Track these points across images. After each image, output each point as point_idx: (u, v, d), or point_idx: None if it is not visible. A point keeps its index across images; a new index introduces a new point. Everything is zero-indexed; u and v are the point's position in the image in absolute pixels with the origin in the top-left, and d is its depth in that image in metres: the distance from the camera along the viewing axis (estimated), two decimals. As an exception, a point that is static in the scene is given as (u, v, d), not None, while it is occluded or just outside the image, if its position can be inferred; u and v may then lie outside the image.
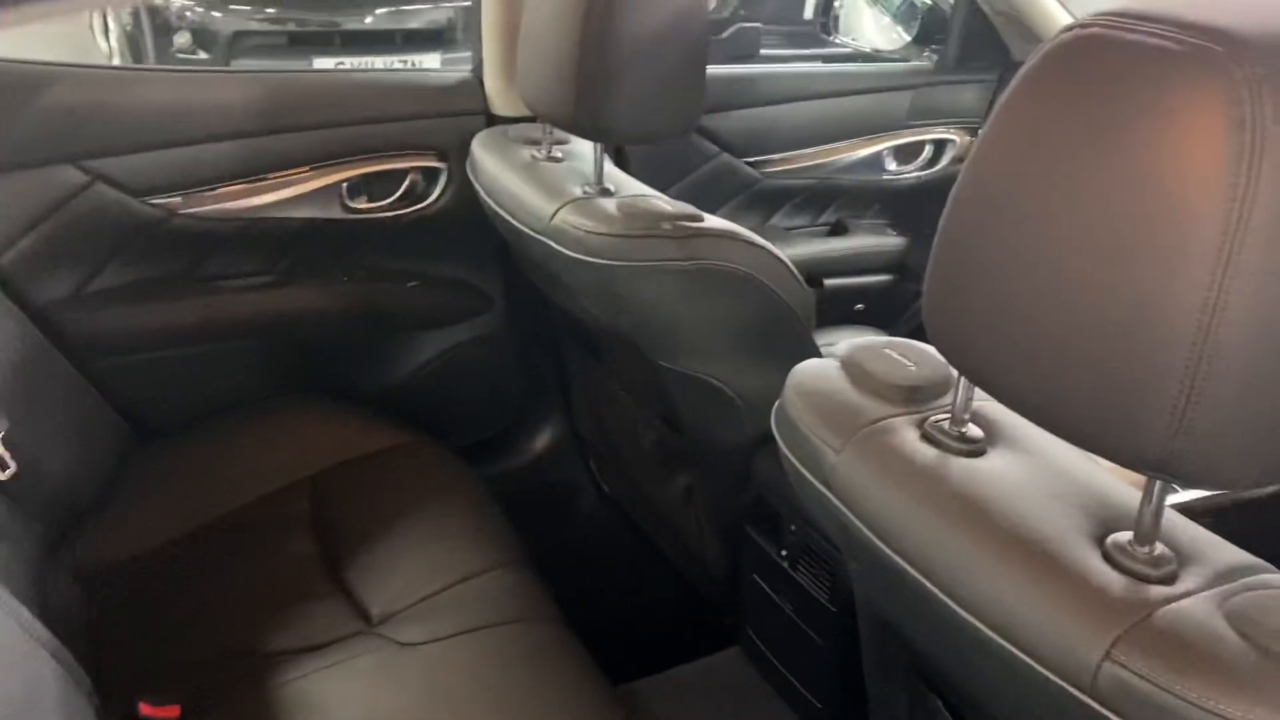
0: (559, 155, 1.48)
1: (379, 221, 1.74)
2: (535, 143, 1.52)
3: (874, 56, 2.58)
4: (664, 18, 1.23)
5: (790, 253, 1.33)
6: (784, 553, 1.38)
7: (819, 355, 1.17)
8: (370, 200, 1.74)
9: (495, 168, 1.50)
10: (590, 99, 1.24)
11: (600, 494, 1.99)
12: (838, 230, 2.24)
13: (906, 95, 2.18)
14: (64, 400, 1.51)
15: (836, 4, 2.71)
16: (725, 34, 4.37)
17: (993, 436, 0.79)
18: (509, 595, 1.37)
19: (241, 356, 1.73)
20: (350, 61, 4.28)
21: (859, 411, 0.83)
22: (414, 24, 4.42)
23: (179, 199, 1.59)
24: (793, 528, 1.35)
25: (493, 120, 1.73)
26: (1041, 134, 0.62)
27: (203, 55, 4.20)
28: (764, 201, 2.14)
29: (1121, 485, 0.73)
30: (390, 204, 1.75)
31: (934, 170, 2.24)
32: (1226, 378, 0.55)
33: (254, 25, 4.28)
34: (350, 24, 4.35)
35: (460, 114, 1.73)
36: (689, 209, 1.26)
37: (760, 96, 2.07)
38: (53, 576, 1.30)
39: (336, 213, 1.71)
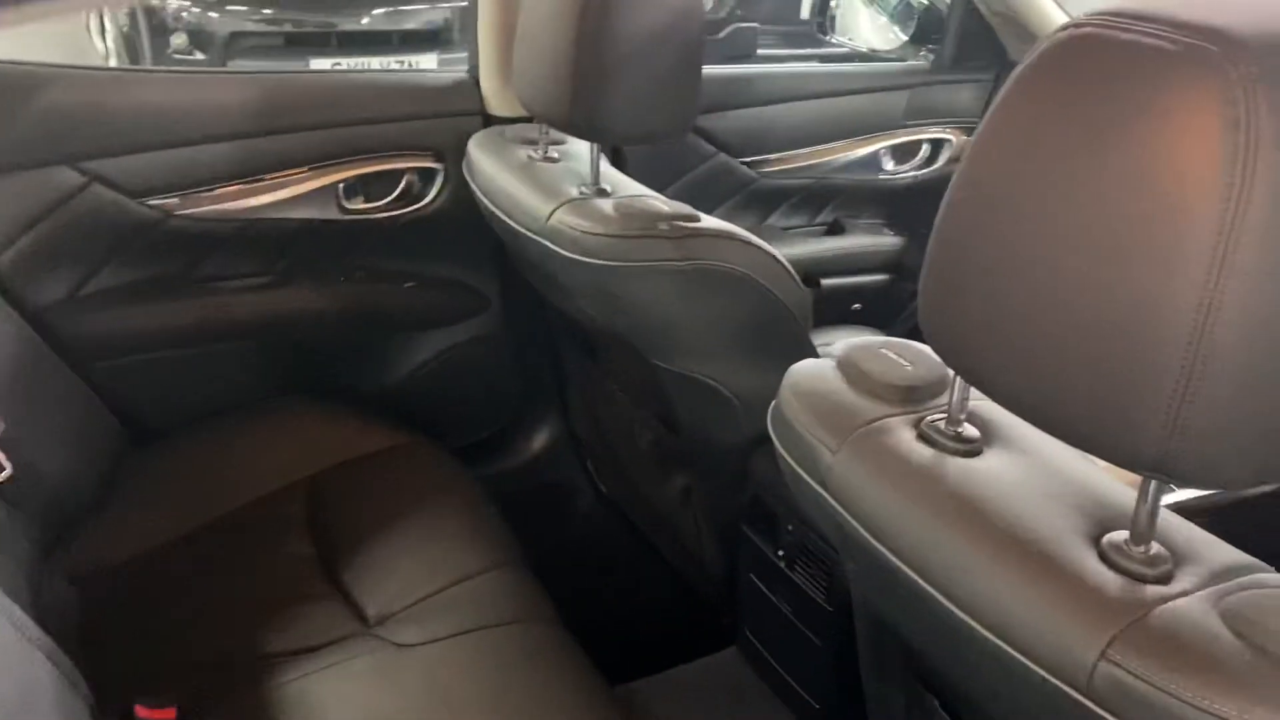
0: (555, 155, 1.48)
1: (376, 222, 1.74)
2: (532, 143, 1.52)
3: (870, 56, 2.58)
4: (660, 17, 1.23)
5: (787, 252, 1.33)
6: (781, 553, 1.38)
7: (816, 355, 1.17)
8: (367, 201, 1.74)
9: (492, 168, 1.50)
10: (586, 99, 1.24)
11: (597, 494, 1.99)
12: (835, 230, 2.24)
13: (903, 95, 2.18)
14: (60, 402, 1.51)
15: (833, 4, 2.72)
16: (722, 34, 4.38)
17: (989, 436, 0.79)
18: (506, 596, 1.36)
19: (238, 357, 1.73)
20: (347, 62, 4.28)
21: (855, 412, 0.83)
22: (410, 25, 4.42)
23: (176, 200, 1.59)
24: (790, 528, 1.35)
25: (489, 121, 1.73)
26: (1037, 133, 0.62)
27: (199, 56, 4.20)
28: (761, 201, 2.14)
29: (1117, 485, 0.73)
30: (387, 204, 1.74)
31: (931, 170, 2.24)
32: (1222, 377, 0.55)
33: (250, 26, 4.27)
34: (347, 25, 4.35)
35: (457, 114, 1.73)
36: (686, 209, 1.26)
37: (757, 96, 2.07)
38: (49, 578, 1.30)
39: (333, 213, 1.71)
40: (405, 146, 1.72)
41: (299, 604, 1.33)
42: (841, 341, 0.92)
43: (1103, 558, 0.66)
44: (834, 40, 2.73)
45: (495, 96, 1.72)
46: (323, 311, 1.75)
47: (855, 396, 0.84)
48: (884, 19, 2.60)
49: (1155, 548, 0.66)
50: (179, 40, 4.19)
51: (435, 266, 1.82)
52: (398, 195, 1.75)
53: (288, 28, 4.31)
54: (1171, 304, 0.55)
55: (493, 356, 1.92)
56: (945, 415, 0.79)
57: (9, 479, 1.25)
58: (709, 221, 1.25)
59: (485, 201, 1.50)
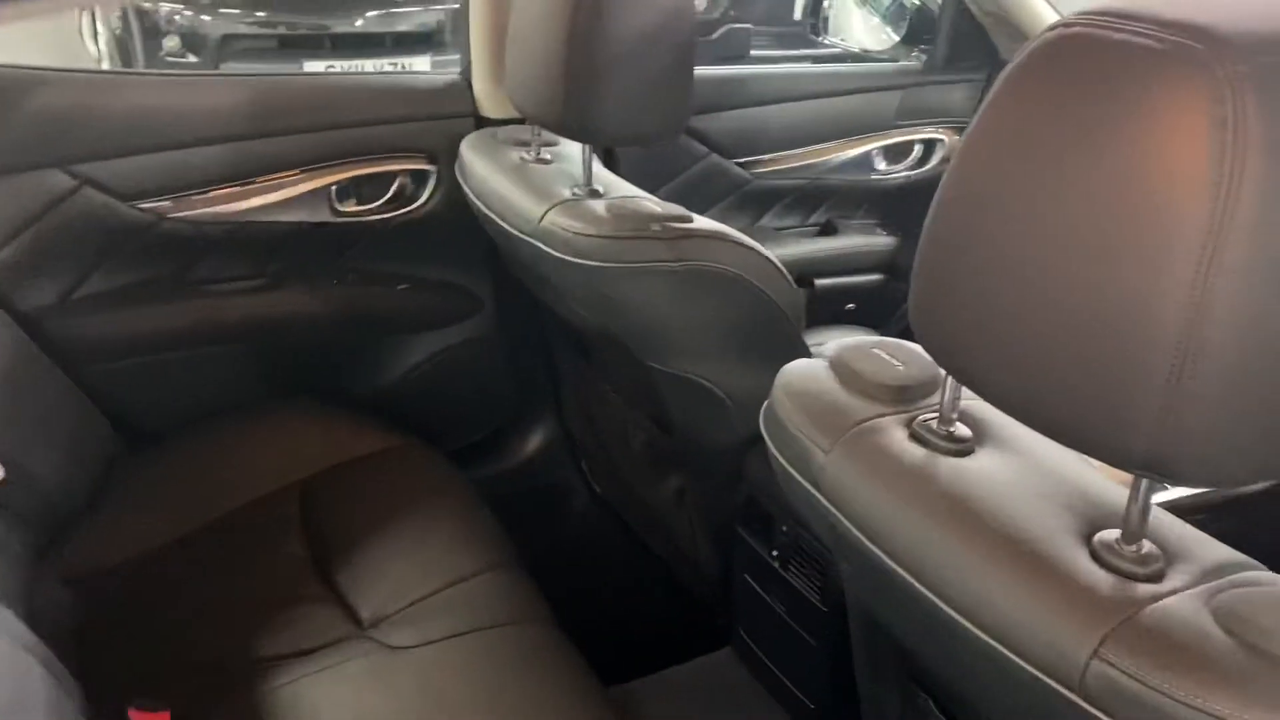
0: (548, 157, 1.48)
1: (368, 224, 1.74)
2: (524, 144, 1.52)
3: (863, 57, 2.59)
4: (651, 18, 1.23)
5: (780, 253, 1.33)
6: (775, 553, 1.38)
7: (809, 355, 1.17)
8: (359, 203, 1.73)
9: (484, 170, 1.50)
10: (578, 100, 1.24)
11: (592, 495, 1.99)
12: (828, 230, 2.24)
13: (895, 95, 2.18)
14: (53, 405, 1.51)
15: (825, 5, 2.72)
16: (715, 35, 4.38)
17: (981, 436, 0.79)
18: (500, 598, 1.36)
19: (231, 360, 1.73)
20: (340, 65, 4.28)
21: (847, 411, 0.83)
22: (404, 27, 4.42)
23: (167, 203, 1.58)
24: (784, 528, 1.35)
25: (481, 122, 1.73)
26: (1026, 133, 0.62)
27: (192, 59, 4.19)
28: (754, 202, 2.14)
29: (1109, 484, 0.73)
30: (379, 207, 1.74)
31: (923, 170, 2.25)
32: (1211, 375, 0.55)
33: (243, 29, 4.27)
34: (340, 27, 4.34)
35: (449, 116, 1.73)
36: (678, 210, 1.26)
37: (750, 97, 2.07)
38: (41, 582, 1.29)
39: (326, 216, 1.71)
40: (398, 149, 1.71)
41: (293, 607, 1.32)
42: (833, 341, 0.92)
43: (1094, 556, 0.66)
44: (827, 41, 2.73)
45: (487, 98, 1.72)
46: (316, 314, 1.75)
47: (847, 396, 0.84)
48: (876, 20, 2.61)
49: (1147, 546, 0.66)
50: (171, 43, 4.18)
51: (428, 269, 1.82)
52: (390, 197, 1.75)
53: (281, 30, 4.31)
54: (1160, 302, 0.55)
55: (486, 358, 1.92)
56: (937, 415, 0.80)
57: (1, 482, 1.25)
58: (701, 222, 1.25)
59: (478, 203, 1.50)
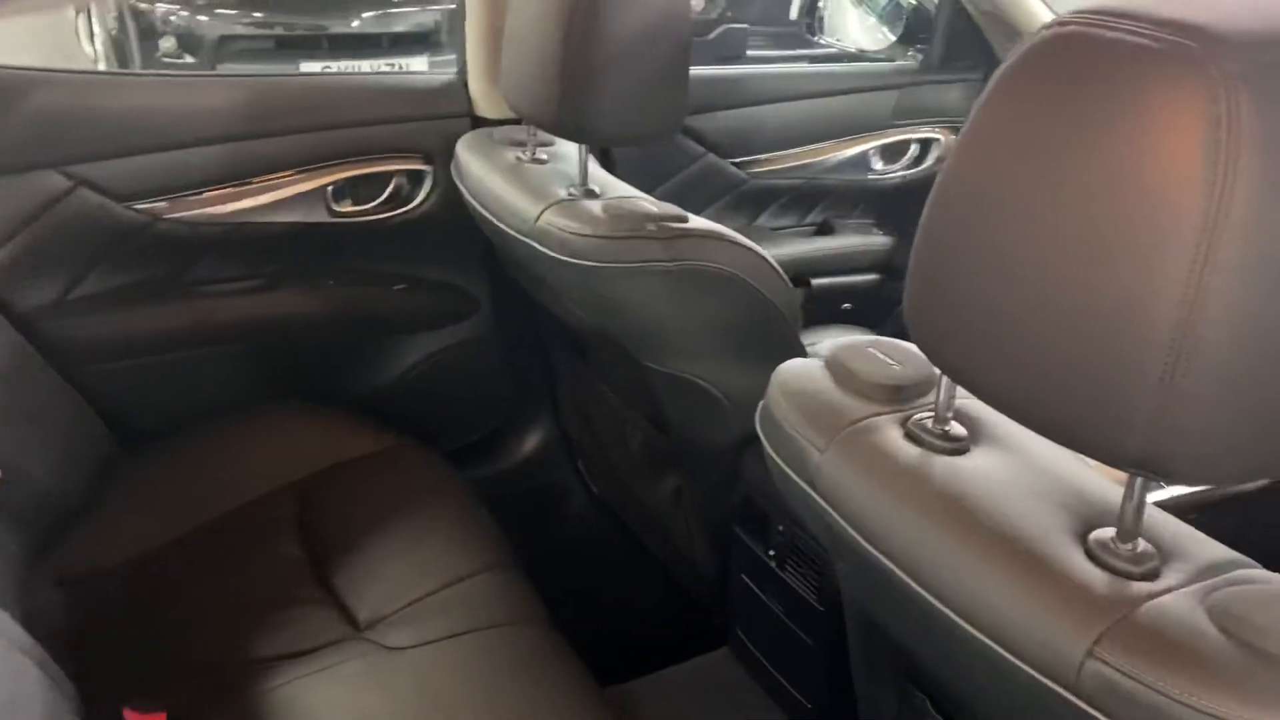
0: (544, 157, 1.48)
1: (365, 225, 1.74)
2: (520, 145, 1.52)
3: (859, 56, 2.59)
4: (647, 18, 1.23)
5: (777, 253, 1.33)
6: (772, 553, 1.38)
7: (805, 355, 1.17)
8: (356, 203, 1.73)
9: (480, 170, 1.50)
10: (574, 100, 1.24)
11: (589, 496, 1.99)
12: (824, 230, 2.24)
13: (892, 95, 2.18)
14: (48, 406, 1.50)
15: (821, 4, 2.72)
16: (712, 35, 4.38)
17: (976, 434, 0.79)
18: (497, 598, 1.36)
19: (228, 361, 1.73)
20: (337, 65, 4.28)
21: (843, 411, 0.83)
22: (400, 27, 4.42)
23: (163, 204, 1.58)
24: (780, 528, 1.35)
25: (478, 123, 1.73)
26: (1021, 132, 0.62)
27: (189, 60, 4.19)
28: (750, 202, 2.14)
29: (1104, 482, 0.73)
30: (376, 207, 1.74)
31: (920, 169, 2.25)
32: (1205, 374, 0.55)
33: (240, 29, 4.27)
34: (337, 28, 4.34)
35: (445, 116, 1.72)
36: (674, 210, 1.26)
37: (746, 97, 2.07)
38: (37, 583, 1.29)
39: (322, 216, 1.70)
40: (394, 149, 1.71)
41: (289, 608, 1.32)
42: (829, 341, 0.92)
43: (1089, 555, 0.66)
44: (823, 41, 2.73)
45: (483, 98, 1.72)
46: (312, 315, 1.75)
47: (843, 396, 0.84)
48: (872, 19, 2.61)
49: (1142, 544, 0.66)
50: (168, 44, 4.18)
51: (424, 269, 1.82)
52: (386, 198, 1.74)
53: (278, 31, 4.31)
54: (1155, 301, 0.55)
55: (483, 359, 1.92)
56: (932, 414, 0.80)
57: (-4, 483, 1.25)
58: (697, 222, 1.25)
59: (474, 203, 1.50)
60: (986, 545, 0.69)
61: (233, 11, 4.26)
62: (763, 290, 1.25)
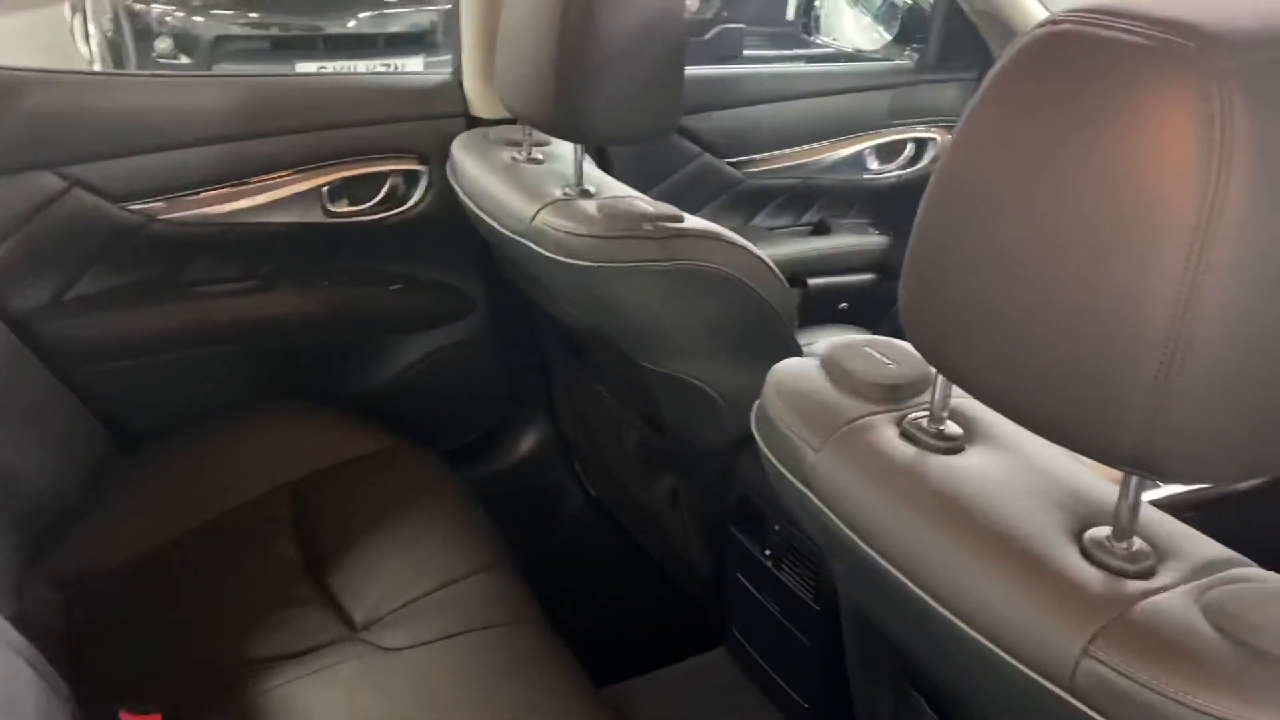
0: (539, 157, 1.48)
1: (360, 225, 1.74)
2: (515, 144, 1.52)
3: (855, 56, 2.59)
4: (642, 18, 1.23)
5: (773, 253, 1.33)
6: (768, 553, 1.38)
7: (801, 355, 1.17)
8: (351, 204, 1.73)
9: (475, 170, 1.50)
10: (569, 100, 1.24)
11: (585, 496, 1.99)
12: (820, 230, 2.24)
13: (887, 94, 2.19)
14: (43, 407, 1.50)
15: (817, 4, 2.72)
16: (708, 35, 4.39)
17: (971, 433, 0.79)
18: (493, 599, 1.36)
19: (223, 362, 1.72)
20: (333, 66, 4.27)
21: (838, 410, 0.83)
22: (396, 28, 4.41)
23: (158, 204, 1.58)
24: (776, 527, 1.34)
25: (473, 122, 1.72)
26: (1015, 131, 0.62)
27: (184, 60, 4.19)
28: (746, 202, 2.14)
29: (1099, 481, 0.73)
30: (371, 207, 1.74)
31: (916, 169, 2.25)
32: (1200, 373, 0.55)
33: (236, 30, 4.26)
34: (333, 28, 4.34)
35: (440, 116, 1.72)
36: (670, 209, 1.26)
37: (742, 97, 2.07)
38: (32, 584, 1.29)
39: (317, 216, 1.70)
40: (389, 149, 1.71)
41: (285, 609, 1.32)
42: (824, 340, 0.92)
43: (1085, 554, 0.66)
44: (819, 40, 2.74)
45: (479, 98, 1.72)
46: (308, 315, 1.75)
47: (838, 395, 0.84)
48: (868, 19, 2.61)
49: (1137, 543, 0.66)
50: (163, 44, 4.18)
51: (420, 269, 1.82)
52: (382, 198, 1.74)
53: (274, 31, 4.30)
54: (1149, 300, 0.55)
55: (479, 359, 1.92)
56: (928, 413, 0.79)
57: (-9, 485, 1.25)
58: (693, 222, 1.25)
59: (469, 203, 1.50)
60: (982, 544, 0.69)
61: (228, 12, 4.25)
62: (759, 290, 1.25)
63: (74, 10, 4.36)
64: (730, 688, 1.53)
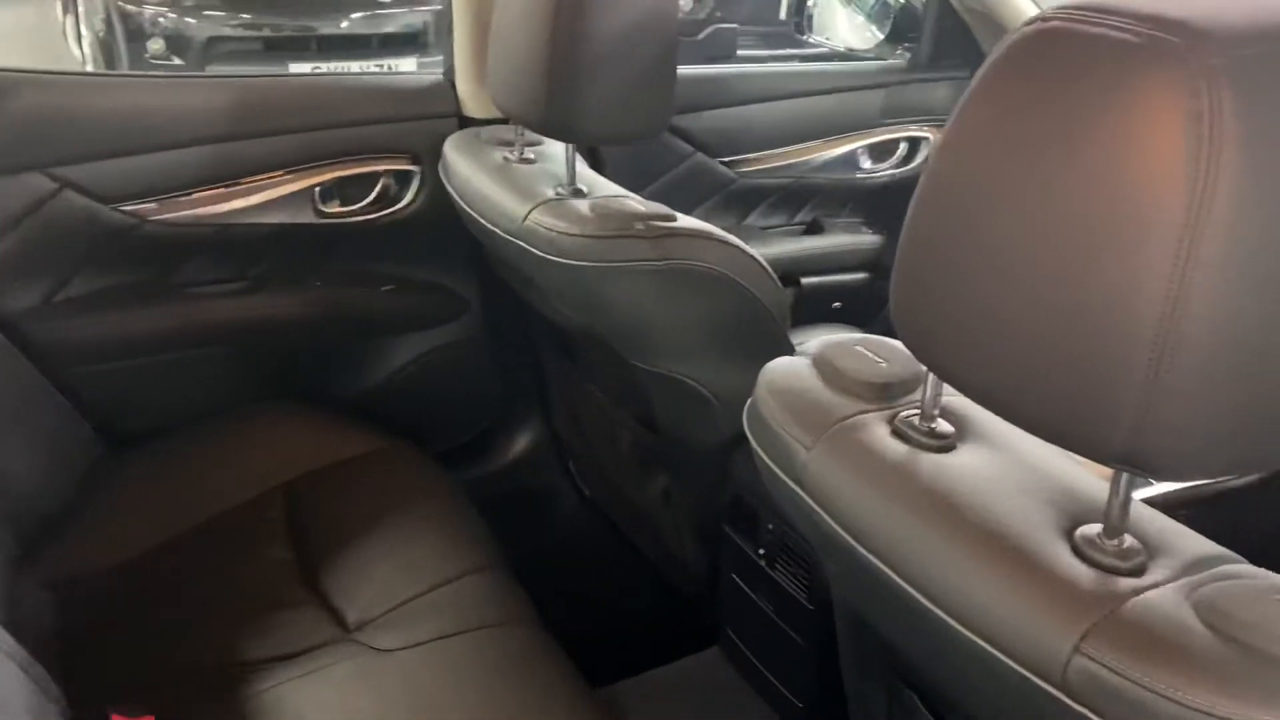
0: (531, 157, 1.48)
1: (352, 225, 1.74)
2: (508, 144, 1.51)
3: (848, 55, 2.59)
4: (634, 18, 1.23)
5: (766, 252, 1.33)
6: (762, 552, 1.37)
7: (794, 354, 1.17)
8: (343, 204, 1.73)
9: (468, 170, 1.50)
10: (561, 100, 1.24)
11: (580, 497, 1.99)
12: (813, 229, 2.25)
13: (880, 93, 2.19)
14: (34, 409, 1.50)
15: (810, 3, 2.72)
16: (702, 35, 4.39)
17: (963, 431, 0.79)
18: (487, 600, 1.36)
19: (215, 363, 1.72)
20: (326, 66, 4.27)
21: (830, 409, 0.83)
22: (390, 28, 4.41)
23: (149, 205, 1.58)
24: (770, 527, 1.34)
25: (465, 122, 1.72)
26: (1004, 128, 0.62)
27: (177, 61, 4.18)
28: (739, 201, 2.14)
29: (1090, 478, 0.73)
30: (363, 208, 1.74)
31: (908, 168, 2.25)
32: (1189, 370, 0.55)
33: (228, 31, 4.26)
34: (326, 29, 4.34)
35: (432, 116, 1.72)
36: (662, 209, 1.26)
37: (734, 96, 2.07)
38: (23, 587, 1.29)
39: (309, 217, 1.70)
40: (381, 149, 1.71)
41: (278, 610, 1.32)
42: (816, 339, 0.92)
43: (1076, 551, 0.66)
44: (811, 40, 2.74)
45: (471, 98, 1.72)
46: (300, 316, 1.74)
47: (830, 394, 0.84)
48: (861, 18, 2.61)
49: (1128, 540, 0.66)
50: (156, 45, 4.17)
51: (413, 269, 1.82)
52: (374, 198, 1.74)
53: (266, 32, 4.30)
54: (1139, 297, 0.55)
55: (472, 359, 1.91)
56: (919, 411, 0.79)
57: (-18, 487, 1.25)
58: (686, 221, 1.25)
59: (461, 203, 1.50)
60: (973, 542, 0.69)
61: (221, 13, 4.25)
62: (752, 289, 1.25)
63: (66, 11, 4.36)
64: (724, 687, 1.53)
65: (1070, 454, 0.65)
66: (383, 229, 1.75)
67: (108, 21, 4.14)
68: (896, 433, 0.79)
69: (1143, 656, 0.58)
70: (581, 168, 1.40)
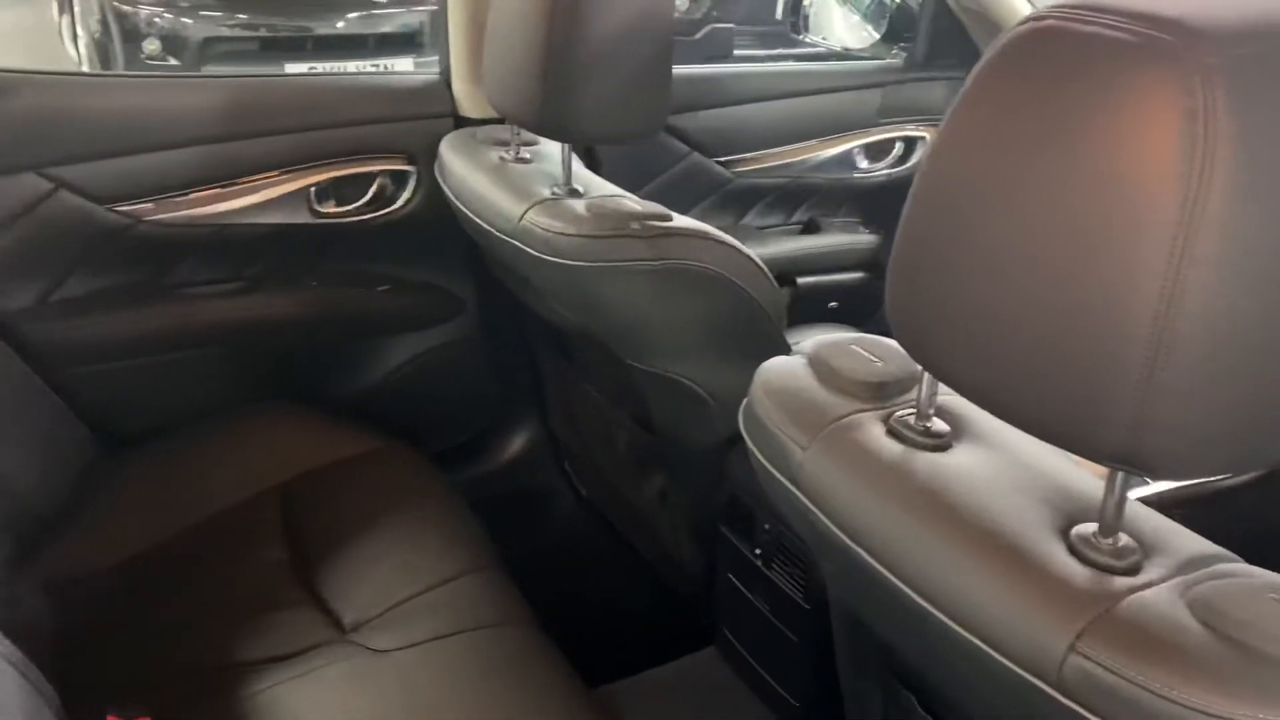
0: (527, 156, 1.48)
1: (348, 226, 1.73)
2: (504, 144, 1.51)
3: (844, 55, 2.59)
4: (629, 17, 1.23)
5: (763, 252, 1.33)
6: (758, 552, 1.37)
7: (790, 354, 1.17)
8: (339, 204, 1.73)
9: (463, 170, 1.49)
10: (556, 99, 1.24)
11: (576, 497, 1.98)
12: (810, 229, 2.25)
13: (876, 93, 2.19)
14: (29, 410, 1.49)
15: (806, 3, 2.72)
16: (698, 35, 4.39)
17: (958, 431, 0.79)
18: (483, 600, 1.36)
19: (211, 364, 1.72)
20: (323, 67, 4.26)
21: (825, 408, 0.83)
22: (386, 28, 4.41)
23: (145, 206, 1.57)
24: (766, 526, 1.34)
25: (461, 122, 1.72)
26: (999, 127, 0.62)
27: (173, 62, 4.17)
28: (736, 201, 2.14)
29: (1086, 477, 0.73)
30: (359, 208, 1.73)
31: (905, 167, 2.25)
32: (1183, 368, 0.55)
33: (224, 31, 4.25)
34: (322, 29, 4.33)
35: (428, 117, 1.72)
36: (658, 209, 1.26)
37: (730, 96, 2.07)
38: (18, 588, 1.28)
39: (305, 217, 1.70)
40: (377, 149, 1.71)
41: (274, 611, 1.32)
42: (811, 339, 0.91)
43: (1071, 550, 0.66)
44: (807, 39, 2.74)
45: (467, 98, 1.72)
46: (296, 316, 1.74)
47: (825, 393, 0.84)
48: (857, 18, 2.61)
49: (1123, 539, 0.66)
50: (152, 46, 4.16)
51: (409, 270, 1.82)
52: (370, 198, 1.74)
53: (262, 32, 4.29)
54: (1134, 295, 0.55)
55: (468, 360, 1.91)
56: (914, 411, 0.79)
57: (-23, 488, 1.24)
58: (682, 221, 1.24)
59: (457, 203, 1.50)
60: (969, 541, 0.69)
61: (217, 13, 4.24)
62: (748, 289, 1.25)
63: (62, 11, 4.35)
64: (721, 687, 1.53)
65: (1066, 453, 0.65)
66: (378, 229, 1.74)
67: (103, 22, 4.13)
68: (892, 432, 0.79)
69: (1138, 655, 0.58)
70: (577, 167, 1.40)
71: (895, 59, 2.32)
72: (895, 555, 0.73)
